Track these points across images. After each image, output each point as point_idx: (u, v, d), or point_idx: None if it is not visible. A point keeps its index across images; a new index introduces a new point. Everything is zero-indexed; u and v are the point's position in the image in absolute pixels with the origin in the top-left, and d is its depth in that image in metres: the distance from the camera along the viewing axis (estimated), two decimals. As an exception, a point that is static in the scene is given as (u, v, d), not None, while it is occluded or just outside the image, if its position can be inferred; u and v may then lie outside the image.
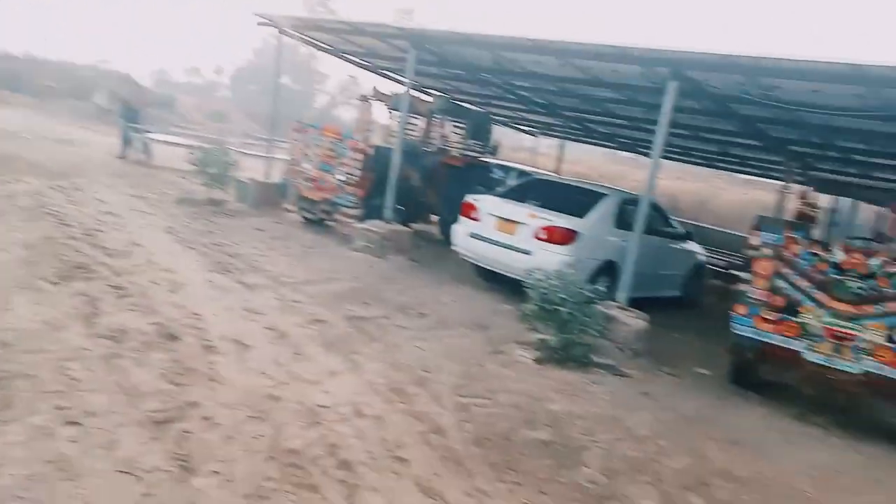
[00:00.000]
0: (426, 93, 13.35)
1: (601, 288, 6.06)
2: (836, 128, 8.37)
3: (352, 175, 9.43)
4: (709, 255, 10.96)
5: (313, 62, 40.77)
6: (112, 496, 2.83)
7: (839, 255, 5.43)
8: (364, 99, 12.09)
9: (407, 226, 10.08)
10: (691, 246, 9.82)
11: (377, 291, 6.89)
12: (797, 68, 6.10)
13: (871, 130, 7.99)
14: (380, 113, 12.54)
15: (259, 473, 3.17)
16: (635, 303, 6.81)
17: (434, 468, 3.52)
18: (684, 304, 9.49)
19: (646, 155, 15.72)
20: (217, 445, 3.35)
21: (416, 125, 11.77)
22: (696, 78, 7.18)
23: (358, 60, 12.99)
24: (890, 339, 5.05)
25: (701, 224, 14.64)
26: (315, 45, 12.59)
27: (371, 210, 9.53)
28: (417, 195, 10.86)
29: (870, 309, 5.21)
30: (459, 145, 12.12)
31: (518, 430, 4.14)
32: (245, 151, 15.99)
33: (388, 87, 12.79)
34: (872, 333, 5.14)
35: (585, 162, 24.19)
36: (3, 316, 4.43)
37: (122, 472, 3.00)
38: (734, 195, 16.53)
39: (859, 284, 5.28)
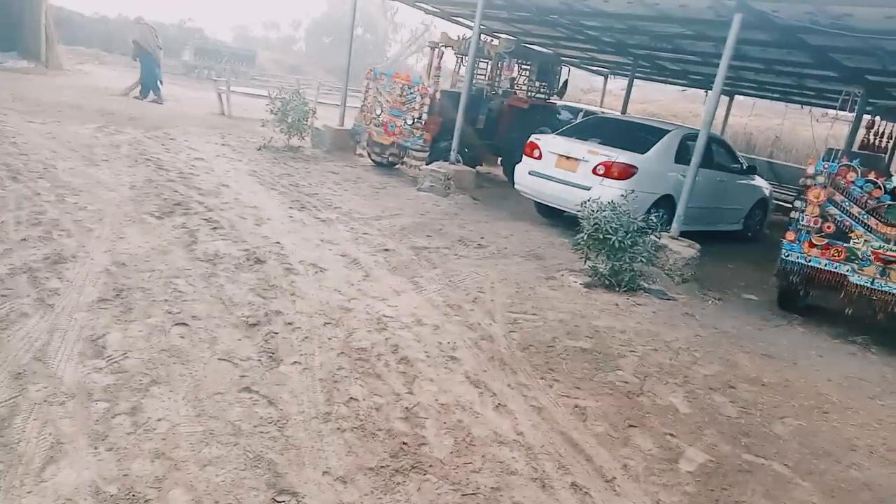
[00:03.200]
0: (495, 37, 13.50)
1: (653, 219, 6.30)
2: (917, 54, 8.06)
3: (420, 119, 9.88)
4: (777, 190, 10.82)
5: (388, 11, 40.91)
6: (216, 376, 3.49)
7: (894, 182, 5.46)
8: (433, 45, 12.41)
9: (473, 167, 10.49)
10: (756, 181, 9.75)
11: (440, 226, 7.41)
12: (868, -6, 5.99)
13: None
14: (449, 58, 12.85)
15: (333, 364, 3.78)
16: (696, 236, 6.98)
17: (482, 366, 4.04)
18: (747, 237, 9.52)
19: (722, 92, 15.36)
20: (298, 343, 3.98)
21: (484, 69, 12.01)
22: (762, 9, 7.09)
23: (429, 7, 13.26)
24: (937, 262, 5.12)
25: (772, 160, 14.27)
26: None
27: (438, 152, 10.00)
28: (484, 137, 11.20)
29: (920, 234, 5.27)
30: (526, 87, 12.30)
31: (561, 340, 4.59)
32: (320, 101, 16.67)
33: (457, 32, 13.04)
34: (921, 257, 5.21)
35: (657, 101, 23.56)
36: (119, 243, 5.21)
37: (222, 359, 3.66)
38: (816, 130, 15.84)
39: (912, 210, 5.33)
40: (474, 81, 11.07)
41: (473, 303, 5.10)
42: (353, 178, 9.60)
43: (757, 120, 19.61)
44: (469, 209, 8.69)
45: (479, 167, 11.46)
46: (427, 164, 9.66)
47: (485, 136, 11.27)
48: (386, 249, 6.16)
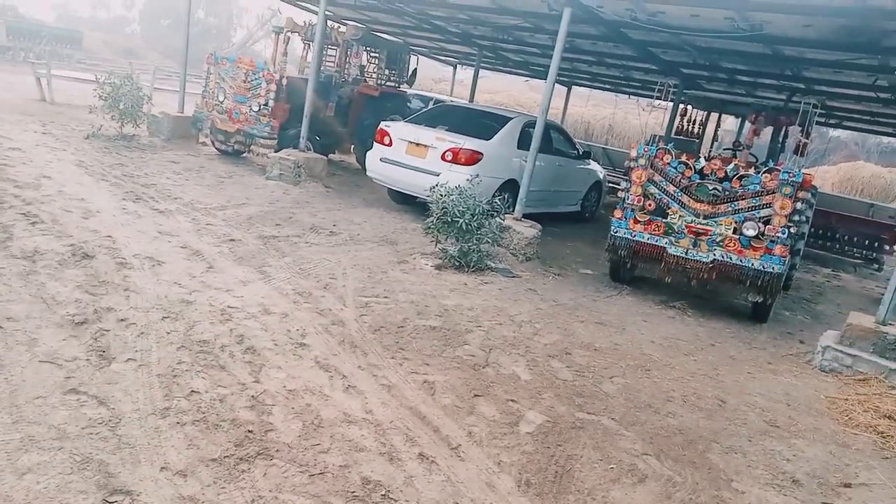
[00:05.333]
0: (342, 23, 13.34)
1: (498, 202, 6.61)
2: (720, 50, 9.02)
3: (266, 105, 9.56)
4: (611, 175, 11.75)
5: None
6: (37, 380, 3.20)
7: (701, 163, 6.14)
8: (278, 30, 12.02)
9: (325, 155, 10.34)
10: (591, 166, 10.52)
11: (290, 214, 7.26)
12: (674, -8, 6.62)
13: (748, 52, 8.68)
14: (296, 44, 12.51)
15: (172, 359, 3.59)
16: (538, 217, 7.41)
17: (333, 350, 4.04)
18: (584, 218, 10.27)
19: (560, 82, 16.29)
20: (132, 340, 3.74)
21: (332, 56, 11.83)
22: (589, 3, 7.58)
23: (273, -11, 12.82)
24: (736, 232, 5.85)
25: (607, 147, 15.48)
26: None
27: (287, 140, 9.75)
28: (334, 125, 11.06)
29: (723, 207, 5.97)
30: (376, 75, 12.31)
31: (411, 320, 4.70)
32: (158, 87, 15.57)
33: (303, 18, 12.71)
34: (724, 228, 5.92)
35: (505, 91, 24.57)
36: (-87, 242, 4.59)
37: (44, 361, 3.36)
38: (644, 119, 17.37)
39: (716, 187, 6.02)
40: (323, 68, 10.89)
41: (324, 289, 5.07)
42: (196, 167, 9.10)
43: (593, 109, 21.12)
44: (321, 197, 8.57)
45: (331, 154, 11.32)
46: (276, 152, 9.38)
47: (336, 123, 11.14)
48: (231, 240, 5.93)
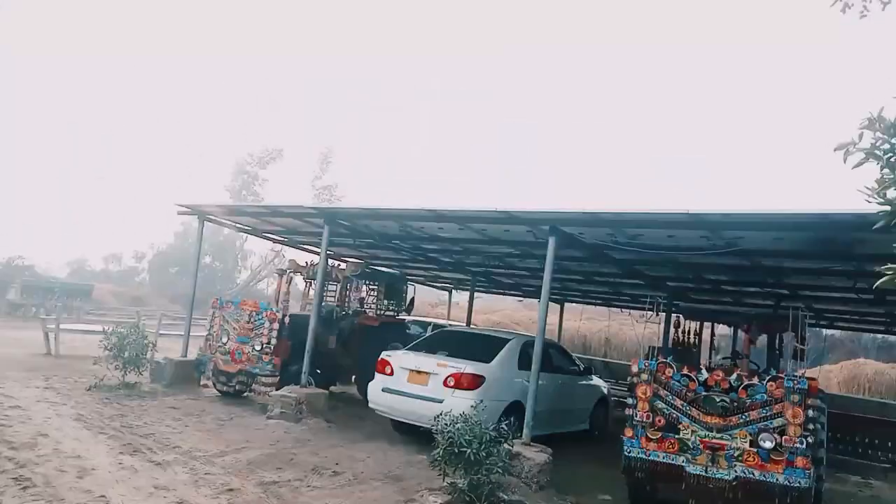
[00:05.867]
0: (343, 261, 14.19)
1: (505, 426, 6.44)
2: (701, 264, 9.51)
3: (269, 344, 9.75)
4: (615, 387, 11.64)
5: (237, 240, 41.67)
6: None
7: (704, 374, 6.14)
8: (282, 272, 12.74)
9: (326, 388, 10.30)
10: (594, 380, 10.46)
11: (291, 456, 7.01)
12: (648, 219, 7.18)
13: (728, 264, 9.15)
14: (298, 283, 13.15)
15: None
16: (547, 439, 7.17)
17: None
18: (594, 435, 9.93)
19: (553, 300, 16.85)
20: None
21: (333, 291, 12.38)
22: (571, 232, 8.14)
23: (278, 238, 13.84)
24: (753, 444, 5.65)
25: (606, 359, 15.55)
26: (236, 228, 13.42)
27: (289, 376, 9.78)
28: (335, 357, 11.18)
29: (735, 419, 5.85)
30: (375, 306, 12.76)
31: (423, 571, 4.32)
32: (163, 332, 15.95)
33: (305, 258, 13.57)
34: (740, 441, 5.74)
35: (500, 310, 25.26)
36: None
37: None
38: (639, 329, 17.67)
39: (723, 398, 5.95)
40: (324, 302, 11.32)
41: (328, 540, 4.73)
42: (197, 411, 8.99)
43: (588, 323, 21.57)
44: (323, 433, 8.36)
45: (332, 387, 11.28)
46: (277, 390, 9.35)
47: (338, 356, 11.27)
48: (230, 489, 5.66)
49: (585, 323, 21.02)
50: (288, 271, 12.47)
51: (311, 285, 12.43)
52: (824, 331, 19.17)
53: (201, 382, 10.91)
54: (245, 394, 10.24)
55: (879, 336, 21.62)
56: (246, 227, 13.06)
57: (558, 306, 18.13)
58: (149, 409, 8.73)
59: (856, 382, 19.43)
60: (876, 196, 3.10)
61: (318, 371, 10.16)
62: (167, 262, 41.72)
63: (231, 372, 10.01)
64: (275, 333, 9.79)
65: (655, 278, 11.16)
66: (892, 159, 3.03)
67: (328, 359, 10.80)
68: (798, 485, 5.44)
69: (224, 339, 10.20)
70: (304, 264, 12.45)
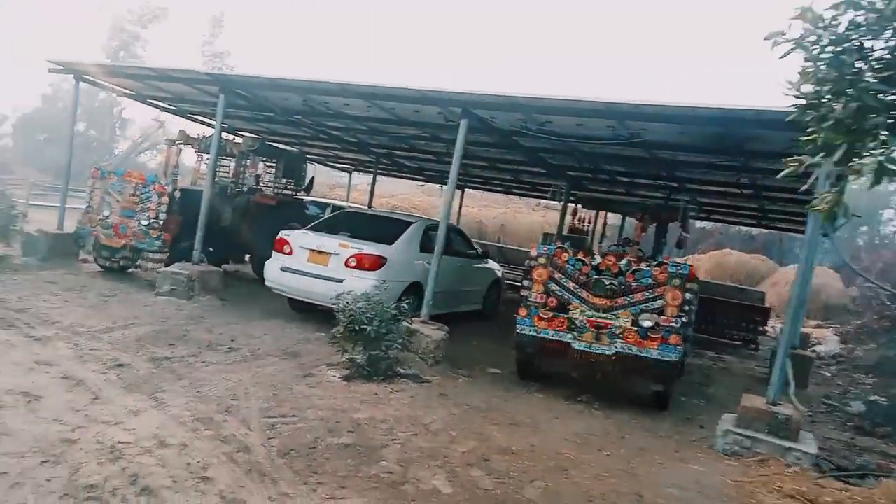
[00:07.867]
0: (238, 135, 13.37)
1: (405, 306, 6.58)
2: (603, 154, 9.77)
3: (157, 219, 9.23)
4: (507, 271, 12.13)
5: (114, 107, 38.13)
6: None
7: (597, 259, 6.47)
8: (171, 142, 11.84)
9: (219, 266, 10.00)
10: (490, 264, 10.82)
11: (184, 332, 6.86)
12: (563, 106, 7.16)
13: (627, 155, 9.46)
14: (188, 156, 12.36)
15: (52, 511, 3.18)
16: (443, 318, 7.43)
17: (239, 482, 3.73)
18: (486, 315, 10.44)
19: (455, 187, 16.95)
20: (4, 493, 3.29)
21: (227, 166, 11.74)
22: (483, 115, 8.02)
23: (165, 105, 12.73)
24: (634, 324, 6.13)
25: (501, 245, 16.10)
26: (117, 92, 12.18)
27: (180, 253, 9.37)
28: (230, 235, 10.81)
29: (620, 300, 6.27)
30: (272, 184, 12.28)
31: (323, 439, 4.46)
32: (34, 203, 14.70)
33: (196, 130, 12.64)
34: (622, 320, 6.19)
35: (399, 195, 25.23)
36: None
37: None
38: (533, 217, 18.34)
39: (612, 281, 6.33)
40: (218, 178, 10.74)
41: (226, 413, 4.75)
42: (77, 286, 8.49)
43: (486, 210, 22.03)
44: (217, 311, 8.20)
45: (225, 265, 10.98)
46: (166, 266, 8.97)
47: (232, 233, 10.88)
48: (119, 365, 5.48)
49: (483, 209, 21.44)
50: (177, 142, 11.62)
51: (202, 159, 11.69)
52: (698, 222, 20.70)
53: (80, 257, 10.27)
54: (130, 270, 9.77)
55: (744, 229, 23.67)
56: (128, 92, 11.88)
57: (459, 192, 18.27)
58: (22, 284, 8.14)
59: (720, 270, 21.42)
60: (794, 88, 3.22)
61: (211, 249, 9.80)
62: (34, 127, 37.78)
63: (114, 247, 9.46)
64: (164, 208, 9.25)
65: (557, 167, 11.41)
66: (816, 51, 3.11)
67: (221, 237, 10.41)
68: (669, 359, 6.01)
69: (106, 213, 9.54)
70: (196, 136, 11.63)
